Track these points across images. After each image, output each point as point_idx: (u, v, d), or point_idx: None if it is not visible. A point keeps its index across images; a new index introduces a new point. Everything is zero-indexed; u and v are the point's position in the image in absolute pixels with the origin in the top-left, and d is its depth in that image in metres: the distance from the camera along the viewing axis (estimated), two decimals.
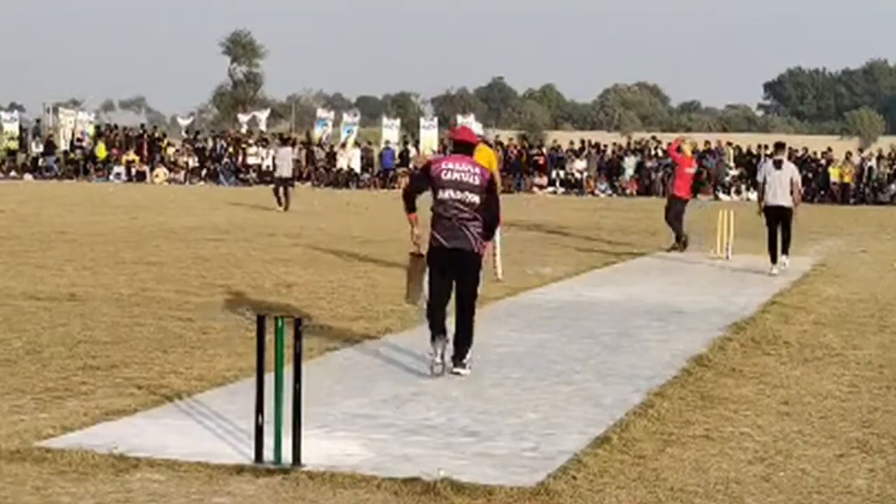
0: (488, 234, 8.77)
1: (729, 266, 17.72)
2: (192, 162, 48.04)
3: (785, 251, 16.61)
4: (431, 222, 8.74)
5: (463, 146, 9.00)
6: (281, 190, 29.51)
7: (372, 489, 5.84)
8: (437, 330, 8.65)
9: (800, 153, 42.43)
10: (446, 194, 8.60)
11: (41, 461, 6.22)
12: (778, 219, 16.46)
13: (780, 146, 17.34)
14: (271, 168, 30.47)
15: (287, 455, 6.20)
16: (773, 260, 16.49)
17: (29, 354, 9.26)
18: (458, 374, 8.67)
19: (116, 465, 6.15)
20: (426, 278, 8.85)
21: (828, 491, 6.02)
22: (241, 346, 9.68)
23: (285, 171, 30.21)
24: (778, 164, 16.53)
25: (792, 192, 16.41)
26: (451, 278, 8.66)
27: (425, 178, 8.80)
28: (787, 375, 9.07)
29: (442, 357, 8.65)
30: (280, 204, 29.02)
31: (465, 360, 8.71)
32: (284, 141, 35.61)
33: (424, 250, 8.84)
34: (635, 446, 6.75)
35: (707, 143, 45.53)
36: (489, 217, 8.68)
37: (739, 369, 9.22)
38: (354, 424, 7.09)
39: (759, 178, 16.98)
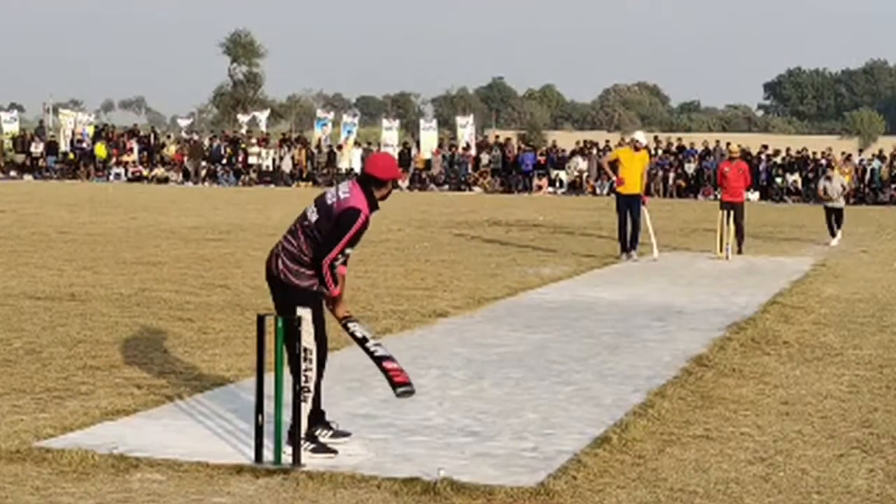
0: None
1: (729, 266, 17.73)
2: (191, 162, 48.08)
3: (839, 229, 22.63)
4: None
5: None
6: None
7: (372, 489, 5.84)
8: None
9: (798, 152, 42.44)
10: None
11: (41, 461, 6.21)
12: (832, 213, 22.84)
13: (829, 166, 27.24)
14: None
15: (287, 455, 6.20)
16: (833, 234, 22.47)
17: (29, 354, 9.26)
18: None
19: (116, 465, 6.15)
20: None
21: (828, 491, 6.02)
22: (241, 346, 9.68)
23: None
24: (829, 178, 23.40)
25: (844, 192, 23.70)
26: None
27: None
28: (787, 375, 9.07)
29: None
30: None
31: None
32: None
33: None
34: (635, 446, 6.75)
35: (705, 142, 45.63)
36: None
37: (739, 369, 9.22)
38: (354, 424, 7.08)
39: (820, 188, 23.59)
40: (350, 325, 6.59)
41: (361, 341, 6.55)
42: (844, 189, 23.92)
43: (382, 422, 7.22)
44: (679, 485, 6.04)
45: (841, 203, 23.00)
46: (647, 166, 19.15)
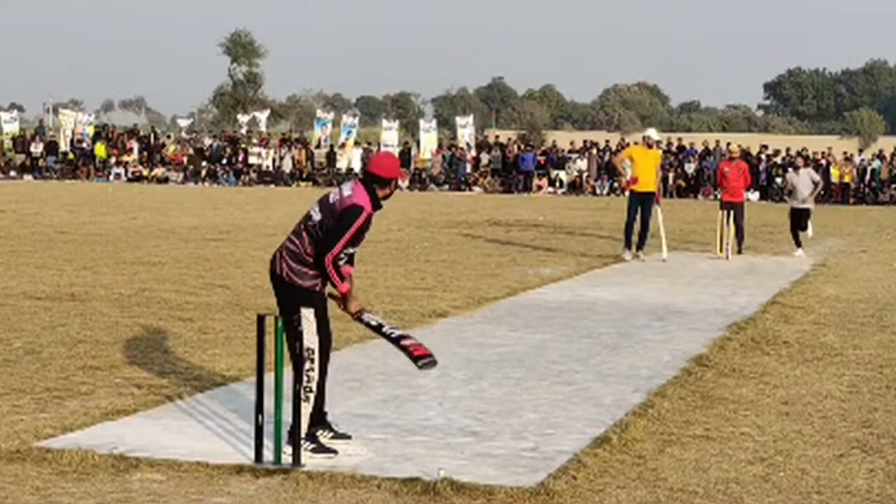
0: None
1: (729, 266, 17.73)
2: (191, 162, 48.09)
3: (805, 237, 20.21)
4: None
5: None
6: None
7: (372, 489, 5.84)
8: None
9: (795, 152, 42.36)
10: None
11: (41, 461, 6.21)
12: (797, 216, 20.19)
13: (803, 157, 24.17)
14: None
15: (287, 455, 6.20)
16: (798, 245, 19.70)
17: (29, 354, 9.26)
18: None
19: (116, 465, 6.15)
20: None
21: (828, 491, 6.02)
22: (241, 346, 9.68)
23: None
24: (797, 170, 20.78)
25: (816, 190, 20.45)
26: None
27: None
28: (787, 375, 9.07)
29: None
30: None
31: None
32: None
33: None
34: (635, 446, 6.75)
35: (705, 142, 45.65)
36: None
37: (739, 369, 9.22)
38: (354, 424, 7.08)
39: (787, 182, 21.60)
40: (364, 316, 6.65)
41: (377, 328, 6.63)
42: (817, 185, 20.37)
43: (382, 422, 7.22)
44: (679, 485, 6.04)
45: (809, 204, 20.08)
46: (659, 164, 19.08)
